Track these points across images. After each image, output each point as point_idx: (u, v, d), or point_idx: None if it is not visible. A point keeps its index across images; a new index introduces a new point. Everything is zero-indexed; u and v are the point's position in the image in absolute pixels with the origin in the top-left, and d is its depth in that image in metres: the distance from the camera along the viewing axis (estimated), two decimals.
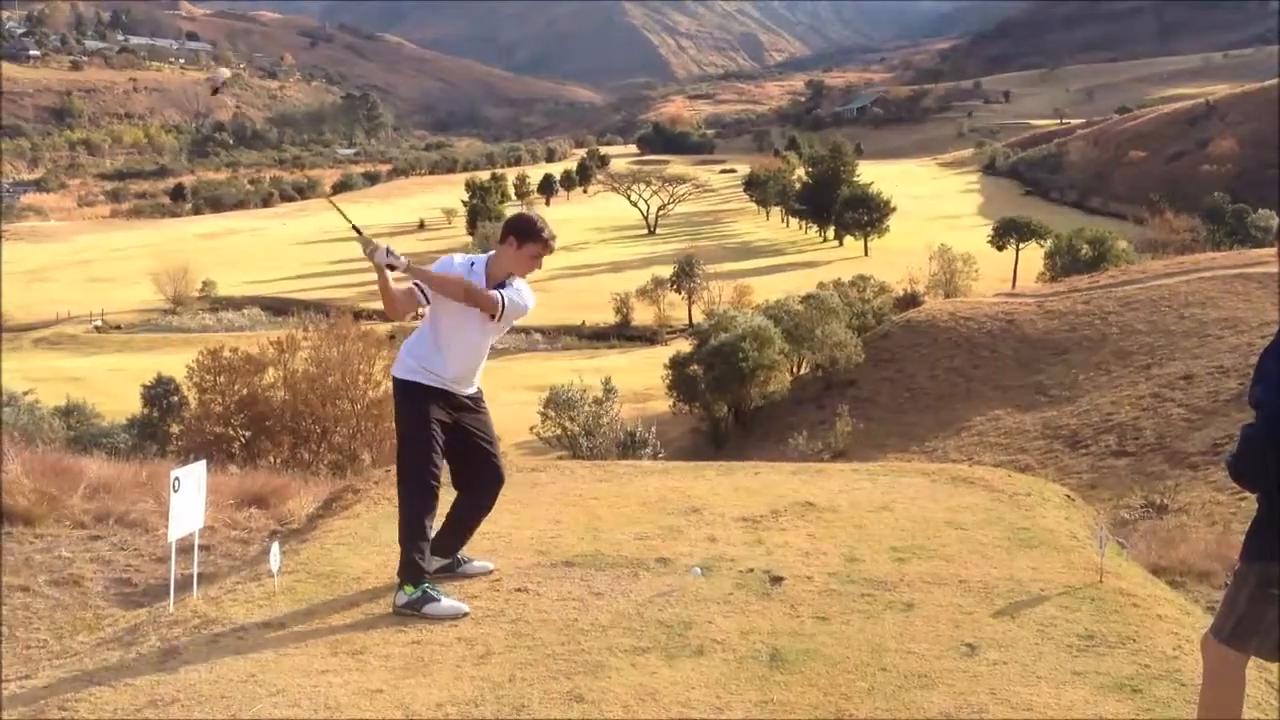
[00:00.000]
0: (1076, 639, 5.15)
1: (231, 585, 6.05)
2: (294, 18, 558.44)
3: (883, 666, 4.85)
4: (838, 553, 6.38)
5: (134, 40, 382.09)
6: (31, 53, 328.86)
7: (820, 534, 6.74)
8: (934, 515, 7.09)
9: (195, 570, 6.12)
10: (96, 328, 78.09)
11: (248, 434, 22.34)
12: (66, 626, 6.09)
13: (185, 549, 6.15)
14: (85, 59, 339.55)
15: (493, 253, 6.06)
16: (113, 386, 49.40)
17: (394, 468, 6.75)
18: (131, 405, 38.67)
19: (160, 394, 37.20)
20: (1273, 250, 48.39)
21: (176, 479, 5.77)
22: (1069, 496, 8.04)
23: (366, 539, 6.73)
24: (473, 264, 6.00)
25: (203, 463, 6.19)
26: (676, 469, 8.87)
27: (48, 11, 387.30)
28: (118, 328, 78.95)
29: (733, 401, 43.96)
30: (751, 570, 6.08)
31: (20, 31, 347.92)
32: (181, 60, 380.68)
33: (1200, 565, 8.38)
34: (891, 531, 6.76)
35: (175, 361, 36.99)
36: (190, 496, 5.85)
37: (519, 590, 5.85)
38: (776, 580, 5.93)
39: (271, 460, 19.25)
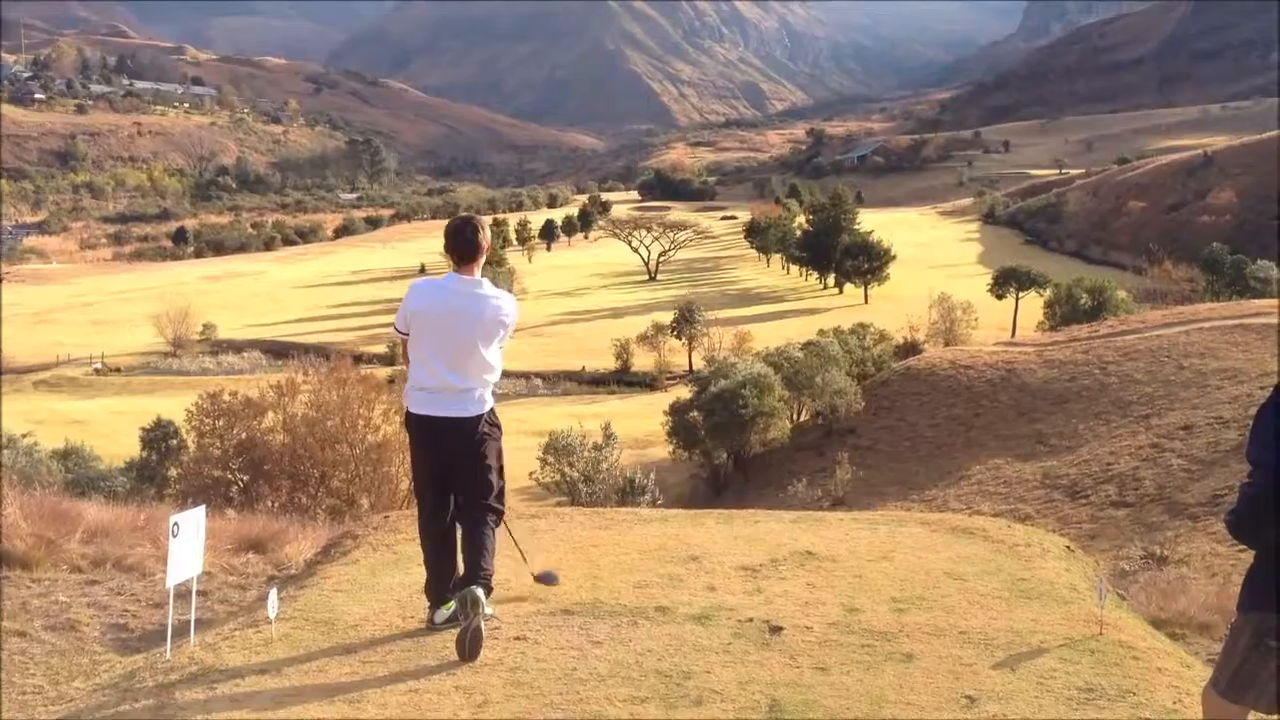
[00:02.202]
0: (1077, 691, 5.14)
1: (229, 631, 6.03)
2: (299, 63, 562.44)
3: (882, 718, 4.83)
4: (837, 602, 6.37)
5: (139, 84, 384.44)
6: (37, 96, 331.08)
7: (820, 583, 6.73)
8: (934, 565, 7.08)
9: (193, 616, 6.10)
10: (97, 370, 78.11)
11: (246, 478, 22.27)
12: (63, 672, 6.06)
13: (183, 594, 6.13)
14: (90, 103, 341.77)
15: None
16: (112, 429, 49.37)
17: (393, 514, 6.85)
18: (130, 448, 38.63)
19: (159, 437, 37.18)
20: (1272, 302, 48.47)
21: (175, 524, 5.76)
22: (1069, 547, 8.02)
23: (365, 586, 6.71)
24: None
25: (201, 508, 6.19)
26: (676, 516, 8.85)
27: (54, 55, 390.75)
28: (118, 370, 78.96)
29: (732, 448, 43.90)
30: (751, 620, 6.06)
31: (26, 75, 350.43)
32: (186, 104, 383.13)
33: (1200, 617, 8.34)
34: (891, 581, 6.75)
35: (175, 404, 36.98)
36: (189, 541, 5.84)
37: (517, 638, 5.83)
38: (776, 630, 5.91)
39: (269, 504, 19.19)
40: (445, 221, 6.92)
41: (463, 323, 6.05)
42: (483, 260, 6.29)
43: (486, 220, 7.63)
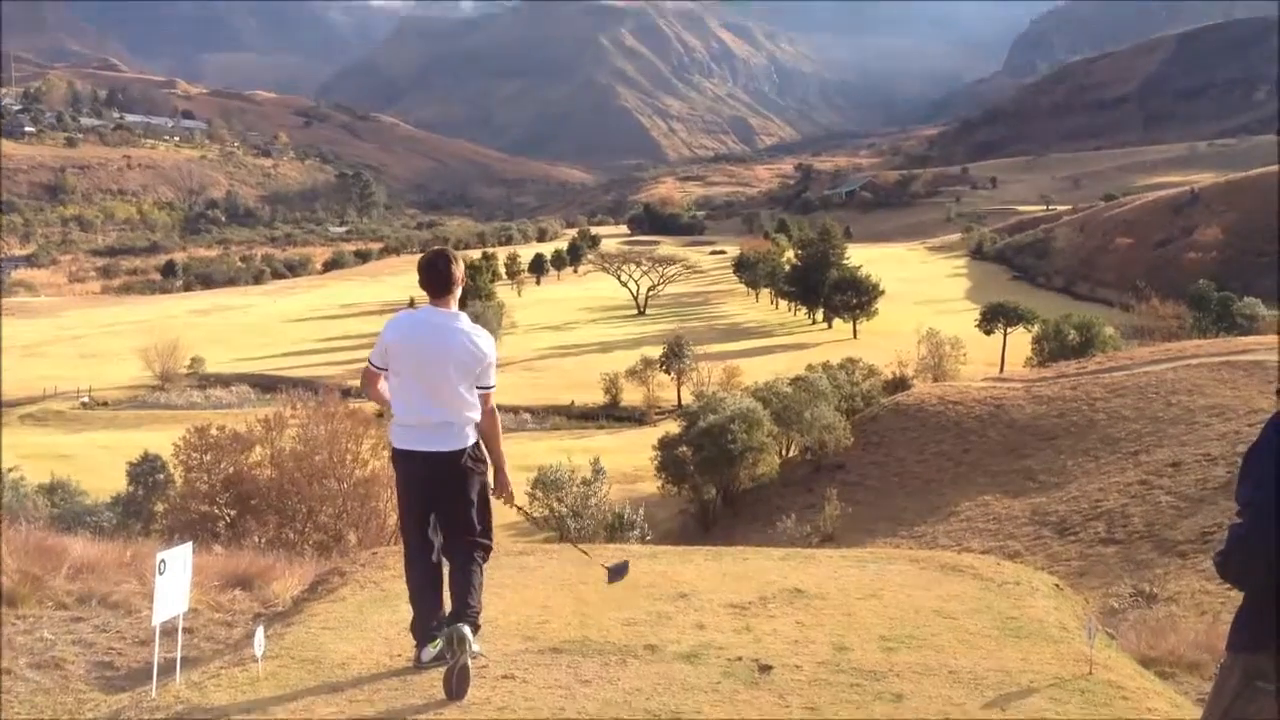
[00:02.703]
0: None
1: (215, 670, 6.00)
2: (289, 98, 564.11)
3: None
4: (827, 641, 6.35)
5: (130, 118, 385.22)
6: (27, 129, 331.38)
7: (809, 621, 6.71)
8: (923, 603, 7.07)
9: (179, 654, 6.06)
10: (84, 404, 77.80)
11: (233, 513, 22.16)
12: (47, 710, 6.02)
13: (169, 632, 6.10)
14: (80, 135, 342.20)
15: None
16: (99, 463, 49.11)
17: (381, 550, 6.82)
18: (117, 483, 38.42)
19: (146, 472, 36.99)
20: (1259, 339, 48.66)
21: (162, 561, 5.74)
22: (1058, 585, 8.02)
23: (352, 624, 6.68)
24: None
25: (188, 544, 6.17)
26: (664, 553, 8.83)
27: (44, 89, 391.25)
28: (105, 404, 78.67)
29: (721, 483, 43.82)
30: (740, 658, 6.04)
31: (16, 109, 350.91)
32: (176, 138, 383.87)
33: (1190, 656, 8.33)
34: (881, 620, 6.74)
35: (162, 438, 36.82)
36: (175, 579, 5.81)
37: (505, 677, 5.80)
38: (765, 669, 5.90)
39: (256, 540, 19.10)
40: (450, 248, 6.97)
41: (438, 356, 6.03)
42: (458, 293, 6.29)
43: (461, 253, 7.61)
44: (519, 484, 36.52)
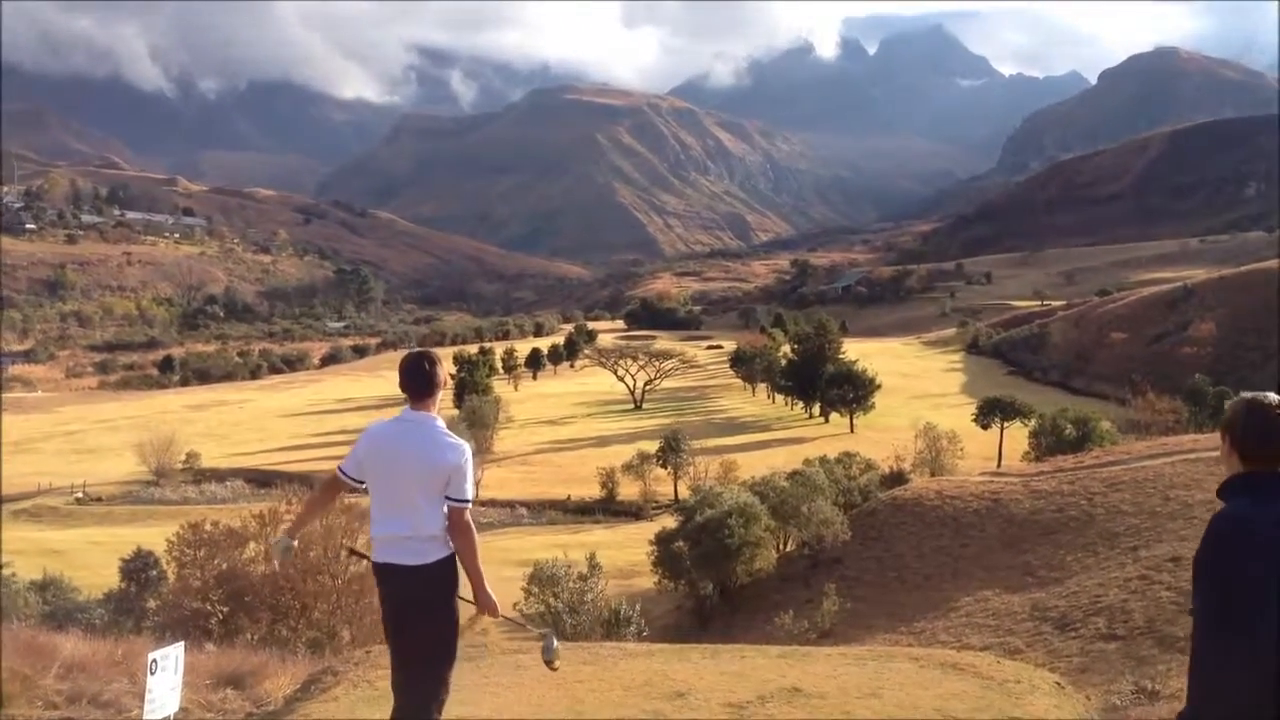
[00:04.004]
0: None
1: None
2: (288, 195, 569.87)
3: None
4: None
5: (130, 214, 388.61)
6: (28, 226, 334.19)
7: None
8: (923, 703, 6.99)
9: None
10: (78, 499, 77.46)
11: (226, 609, 21.98)
12: None
13: None
14: (81, 232, 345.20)
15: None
16: (91, 559, 48.79)
17: (374, 648, 6.73)
18: (110, 578, 38.13)
19: (138, 568, 36.73)
20: None
21: (154, 661, 5.69)
22: (1058, 684, 7.94)
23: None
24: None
25: (180, 644, 6.12)
26: (661, 651, 8.75)
27: (46, 186, 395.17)
28: (99, 499, 78.30)
29: (718, 578, 43.51)
30: None
31: (18, 206, 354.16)
32: (176, 234, 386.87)
33: None
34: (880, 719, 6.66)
35: (156, 534, 36.63)
36: (167, 678, 5.76)
37: None
38: None
39: (249, 637, 18.93)
40: (432, 350, 6.84)
41: (404, 463, 5.91)
42: (439, 396, 6.21)
43: (458, 349, 7.53)
44: (515, 580, 36.34)
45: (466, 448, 6.09)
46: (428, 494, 5.85)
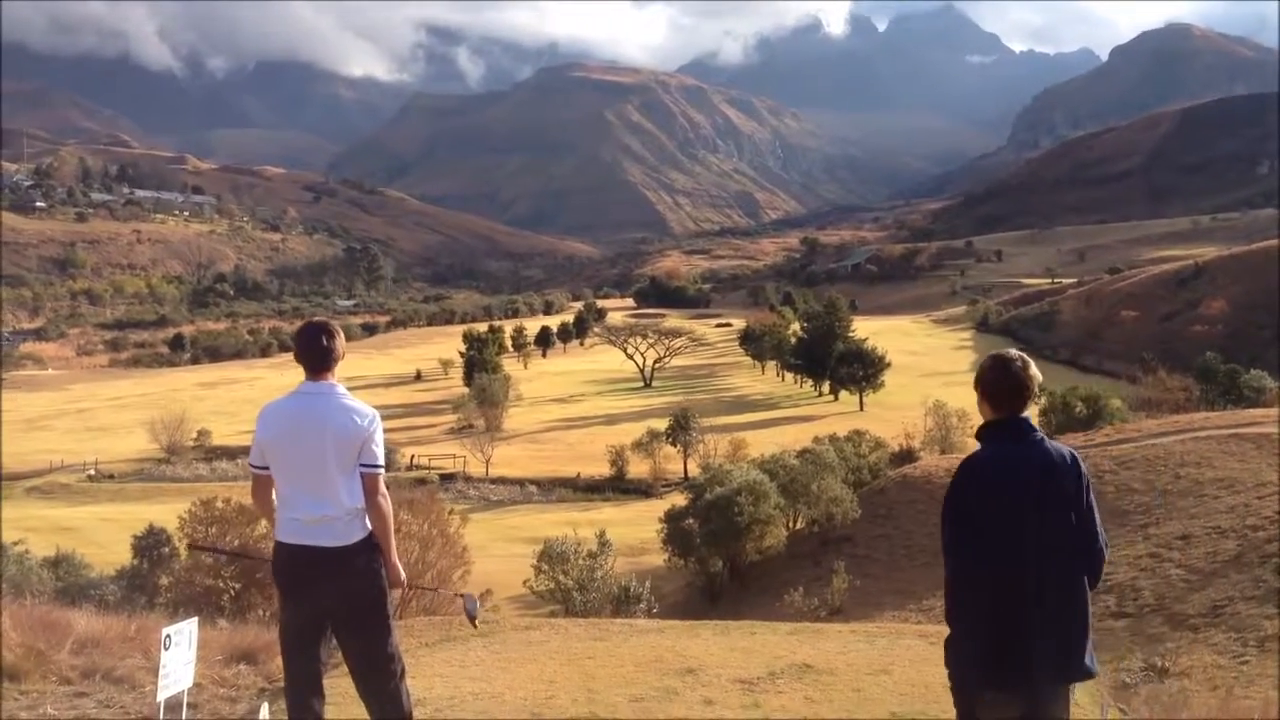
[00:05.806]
0: None
1: None
2: (298, 173, 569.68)
3: None
4: (836, 718, 6.28)
5: (140, 193, 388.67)
6: (38, 204, 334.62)
7: (818, 697, 6.65)
8: (933, 679, 7.00)
9: None
10: (90, 477, 77.73)
11: (238, 586, 22.07)
12: None
13: (173, 707, 6.04)
14: (91, 210, 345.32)
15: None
16: (104, 536, 48.96)
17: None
18: (122, 555, 38.26)
19: (151, 544, 36.84)
20: (1266, 411, 48.56)
21: (168, 636, 5.71)
22: None
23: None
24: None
25: (194, 620, 6.14)
26: (671, 628, 8.77)
27: (56, 164, 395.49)
28: (111, 477, 78.55)
29: (728, 556, 43.56)
30: None
31: (28, 184, 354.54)
32: (186, 213, 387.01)
33: None
34: (891, 695, 6.67)
35: (168, 511, 36.72)
36: (181, 654, 5.78)
37: None
38: None
39: (261, 614, 19.00)
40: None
41: (314, 437, 5.62)
42: (336, 369, 5.94)
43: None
44: (525, 557, 36.39)
45: (375, 413, 5.85)
46: (343, 465, 5.61)
